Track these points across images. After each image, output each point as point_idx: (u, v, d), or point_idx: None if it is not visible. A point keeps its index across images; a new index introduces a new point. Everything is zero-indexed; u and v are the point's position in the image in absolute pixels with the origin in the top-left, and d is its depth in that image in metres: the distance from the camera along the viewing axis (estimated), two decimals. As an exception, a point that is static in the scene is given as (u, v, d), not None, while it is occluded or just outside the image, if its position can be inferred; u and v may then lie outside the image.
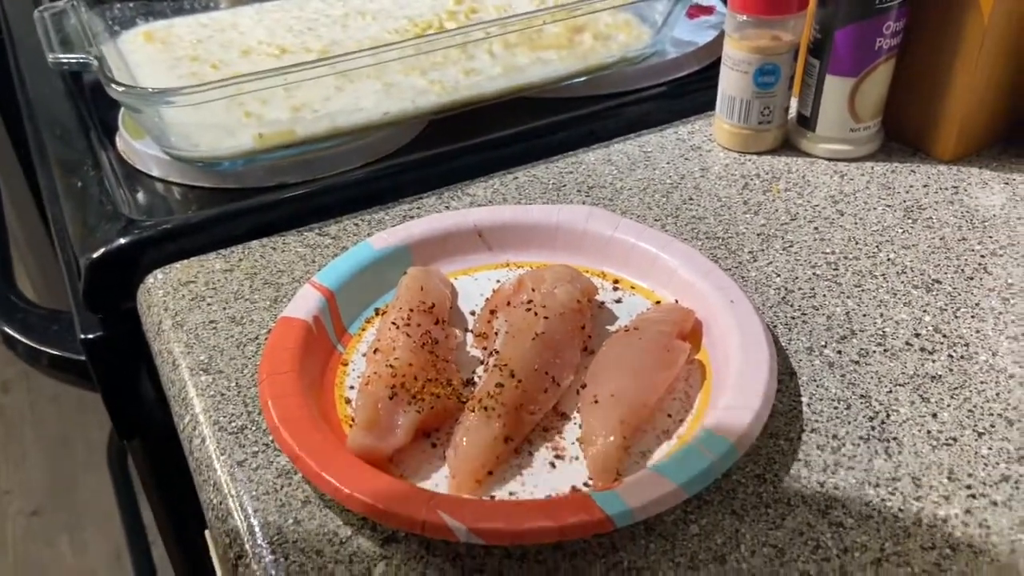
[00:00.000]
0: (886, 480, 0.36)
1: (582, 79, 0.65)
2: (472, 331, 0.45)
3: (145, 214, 0.55)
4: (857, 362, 0.42)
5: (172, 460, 0.56)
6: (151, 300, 0.49)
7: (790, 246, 0.51)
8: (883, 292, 0.47)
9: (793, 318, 0.45)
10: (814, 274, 0.48)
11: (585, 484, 0.36)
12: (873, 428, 0.39)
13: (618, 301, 0.47)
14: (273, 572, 0.34)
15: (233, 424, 0.40)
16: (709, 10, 0.76)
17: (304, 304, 0.43)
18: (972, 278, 0.48)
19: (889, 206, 0.54)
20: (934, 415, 0.39)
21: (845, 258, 0.49)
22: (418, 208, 0.55)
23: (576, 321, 0.43)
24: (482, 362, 0.43)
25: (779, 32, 0.55)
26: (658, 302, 0.46)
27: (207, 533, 0.60)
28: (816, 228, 0.52)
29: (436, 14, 0.70)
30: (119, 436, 0.55)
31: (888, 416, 0.39)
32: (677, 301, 0.46)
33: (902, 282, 0.47)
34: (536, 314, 0.42)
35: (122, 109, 0.62)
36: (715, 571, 0.33)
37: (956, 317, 0.45)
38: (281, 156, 0.57)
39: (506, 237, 0.50)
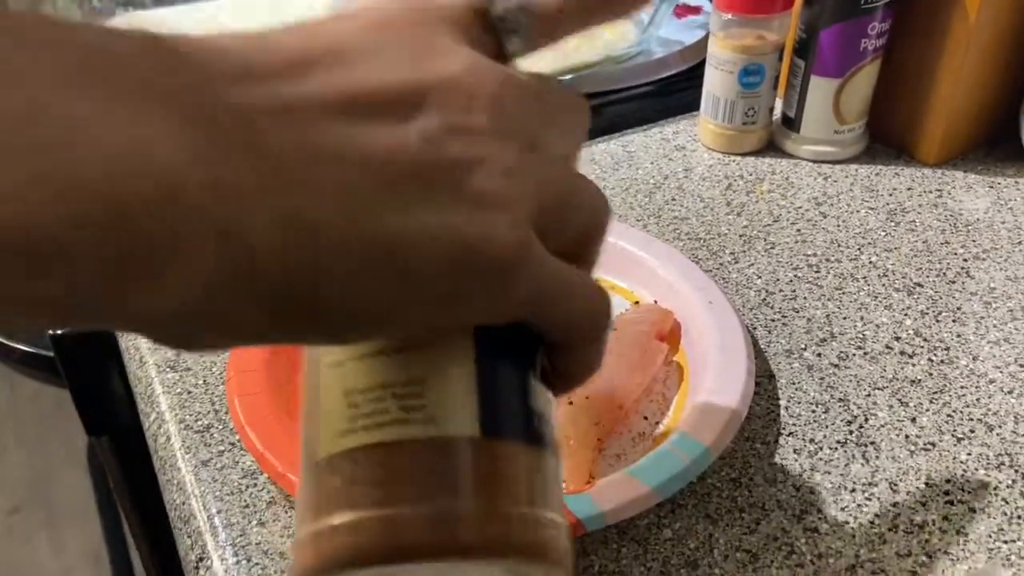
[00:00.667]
0: (863, 485, 0.36)
1: (567, 77, 0.64)
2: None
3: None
4: (836, 365, 0.42)
5: (141, 458, 0.55)
6: (121, 295, 0.48)
7: (772, 248, 0.50)
8: (864, 295, 0.46)
9: (773, 320, 0.45)
10: (795, 276, 0.48)
11: (557, 487, 0.36)
12: (851, 432, 0.38)
13: (596, 301, 0.46)
14: (235, 574, 0.33)
15: (199, 423, 0.39)
16: (697, 10, 0.76)
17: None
18: (954, 282, 0.47)
19: (872, 209, 0.53)
20: (913, 420, 0.39)
21: (827, 260, 0.49)
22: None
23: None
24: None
25: (764, 32, 0.55)
26: (637, 302, 0.45)
27: (179, 533, 0.59)
28: (799, 230, 0.51)
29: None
30: (87, 432, 0.54)
31: (866, 420, 0.39)
32: (656, 302, 0.45)
33: (883, 285, 0.47)
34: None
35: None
36: (687, 577, 0.32)
37: (937, 321, 0.44)
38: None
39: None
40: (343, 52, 0.19)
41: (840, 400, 0.40)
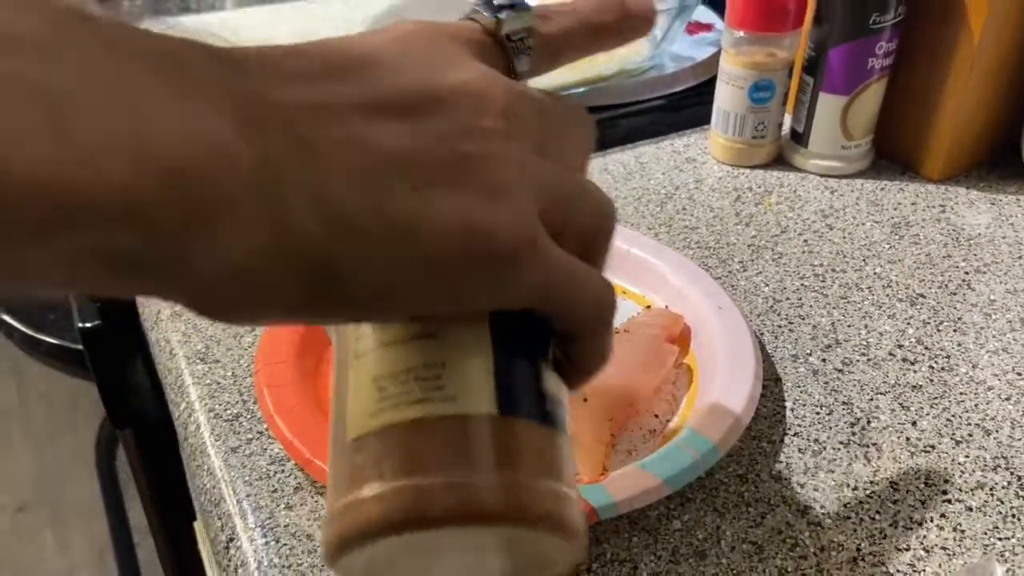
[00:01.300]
0: (864, 484, 0.37)
1: (581, 90, 0.66)
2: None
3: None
4: (841, 370, 0.43)
5: (163, 451, 0.57)
6: (150, 290, 0.50)
7: (779, 257, 0.52)
8: (868, 304, 0.48)
9: (780, 326, 0.46)
10: (802, 285, 0.49)
11: (571, 479, 0.37)
12: (854, 434, 0.40)
13: (609, 305, 0.48)
14: (264, 554, 0.34)
15: (228, 412, 0.41)
16: (708, 27, 0.78)
17: (302, 297, 0.44)
18: (955, 293, 0.49)
19: (877, 222, 0.55)
20: (913, 423, 0.40)
21: (832, 271, 0.51)
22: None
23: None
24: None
25: (774, 49, 0.57)
26: (649, 307, 0.47)
27: (196, 524, 0.61)
28: (805, 241, 0.53)
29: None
30: (112, 424, 0.56)
31: (869, 423, 0.40)
32: (667, 306, 0.47)
33: (887, 295, 0.49)
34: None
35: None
36: (695, 565, 0.34)
37: (938, 330, 0.46)
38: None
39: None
40: (372, 62, 0.22)
41: (844, 403, 0.41)
